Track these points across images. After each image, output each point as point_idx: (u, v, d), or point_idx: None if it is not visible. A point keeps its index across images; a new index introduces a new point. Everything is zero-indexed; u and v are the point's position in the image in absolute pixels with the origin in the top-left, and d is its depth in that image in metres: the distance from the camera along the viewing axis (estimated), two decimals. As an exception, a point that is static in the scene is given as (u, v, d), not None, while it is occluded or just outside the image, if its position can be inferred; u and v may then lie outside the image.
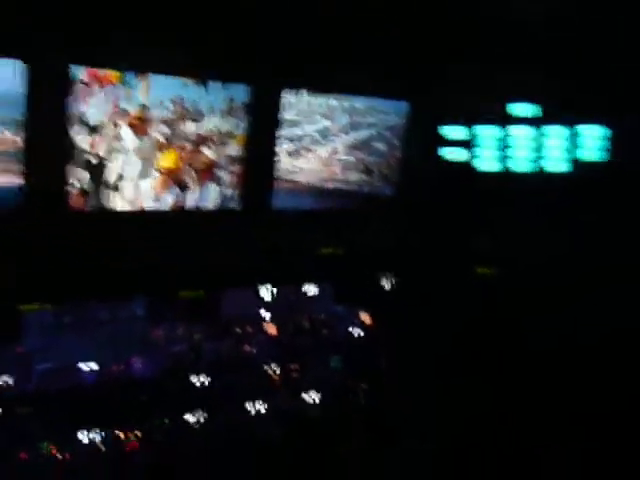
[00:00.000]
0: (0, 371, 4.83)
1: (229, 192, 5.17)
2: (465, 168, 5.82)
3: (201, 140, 4.94)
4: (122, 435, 4.97)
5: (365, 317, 6.19)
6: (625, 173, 5.07)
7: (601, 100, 5.32)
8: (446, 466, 4.52)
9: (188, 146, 4.89)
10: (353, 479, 4.31)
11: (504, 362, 5.10)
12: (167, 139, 4.80)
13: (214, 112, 4.90)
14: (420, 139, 5.80)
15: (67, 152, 4.43)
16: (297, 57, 4.94)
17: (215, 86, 4.83)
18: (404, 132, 5.74)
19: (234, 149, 5.07)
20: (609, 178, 5.13)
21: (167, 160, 4.87)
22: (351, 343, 6.11)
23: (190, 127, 4.85)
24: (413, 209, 5.96)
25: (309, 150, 5.46)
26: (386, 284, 6.15)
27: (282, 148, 5.31)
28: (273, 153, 5.27)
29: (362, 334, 6.14)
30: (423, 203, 5.93)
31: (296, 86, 5.11)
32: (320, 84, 5.21)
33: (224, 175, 5.12)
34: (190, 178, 5.00)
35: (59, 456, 4.75)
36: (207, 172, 5.06)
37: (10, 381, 4.82)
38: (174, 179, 4.94)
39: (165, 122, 4.74)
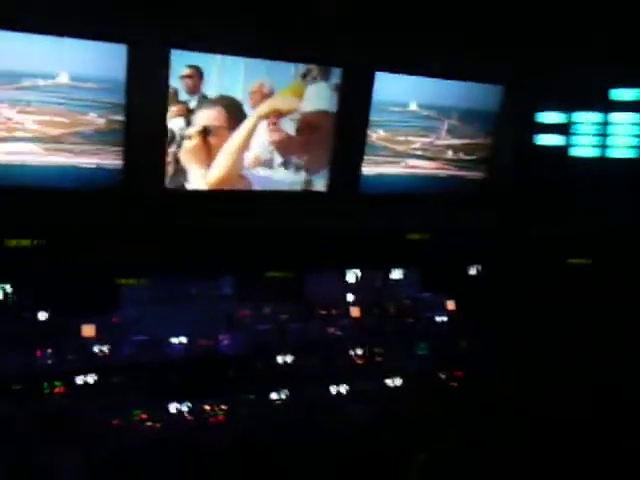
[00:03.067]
0: (98, 340, 5.10)
1: (317, 173, 5.22)
2: (560, 154, 5.64)
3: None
4: (208, 408, 5.11)
5: (451, 304, 6.10)
6: None
7: None
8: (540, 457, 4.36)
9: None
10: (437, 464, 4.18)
11: (592, 350, 4.93)
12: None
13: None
14: (514, 124, 5.65)
15: (164, 132, 4.59)
16: (388, 38, 4.89)
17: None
18: (498, 116, 5.60)
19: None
20: None
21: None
22: (437, 330, 6.05)
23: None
24: (505, 195, 5.81)
25: (398, 133, 5.42)
26: (473, 271, 6.04)
27: (373, 131, 5.29)
28: (363, 135, 5.25)
29: (448, 321, 6.07)
30: (515, 189, 5.78)
31: (388, 67, 5.07)
32: (414, 66, 5.14)
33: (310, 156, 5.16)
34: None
35: (149, 424, 4.94)
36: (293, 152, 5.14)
37: (107, 350, 5.08)
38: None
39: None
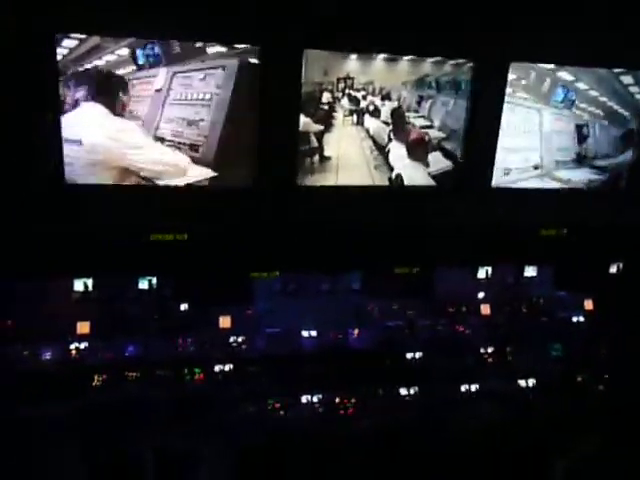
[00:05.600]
0: (234, 331, 5.34)
1: (449, 169, 5.11)
2: None
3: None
4: (338, 400, 5.21)
5: (589, 304, 5.81)
6: None
7: None
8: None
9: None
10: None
11: None
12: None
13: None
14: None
15: (295, 130, 4.65)
16: (521, 27, 4.69)
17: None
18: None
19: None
20: None
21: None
22: (573, 331, 5.79)
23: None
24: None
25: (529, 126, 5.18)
26: (614, 269, 5.70)
27: (506, 125, 5.10)
28: (495, 130, 5.09)
29: (585, 322, 5.79)
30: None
31: (523, 59, 4.88)
32: (551, 56, 4.91)
33: (443, 152, 4.93)
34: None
35: (282, 413, 5.11)
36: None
37: (242, 341, 5.31)
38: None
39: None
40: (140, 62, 4.01)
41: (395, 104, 4.58)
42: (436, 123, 4.72)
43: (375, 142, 4.66)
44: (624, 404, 4.79)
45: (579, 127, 4.97)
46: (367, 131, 4.63)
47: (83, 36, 3.88)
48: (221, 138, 4.35)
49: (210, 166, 4.41)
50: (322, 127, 4.54)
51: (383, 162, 4.72)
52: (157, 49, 4.02)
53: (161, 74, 4.08)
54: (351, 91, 4.55)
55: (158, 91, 4.14)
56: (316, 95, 4.46)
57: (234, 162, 4.43)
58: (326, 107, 4.52)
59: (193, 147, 4.32)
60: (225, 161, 4.41)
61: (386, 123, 4.64)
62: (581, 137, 4.99)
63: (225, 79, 4.25)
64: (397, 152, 4.67)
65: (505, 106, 4.83)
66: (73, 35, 3.87)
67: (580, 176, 5.15)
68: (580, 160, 5.07)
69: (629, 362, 5.48)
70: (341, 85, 4.53)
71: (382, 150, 4.69)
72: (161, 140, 4.23)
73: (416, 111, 4.64)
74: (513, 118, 4.88)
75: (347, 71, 4.50)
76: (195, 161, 4.37)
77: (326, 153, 4.60)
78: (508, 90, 4.78)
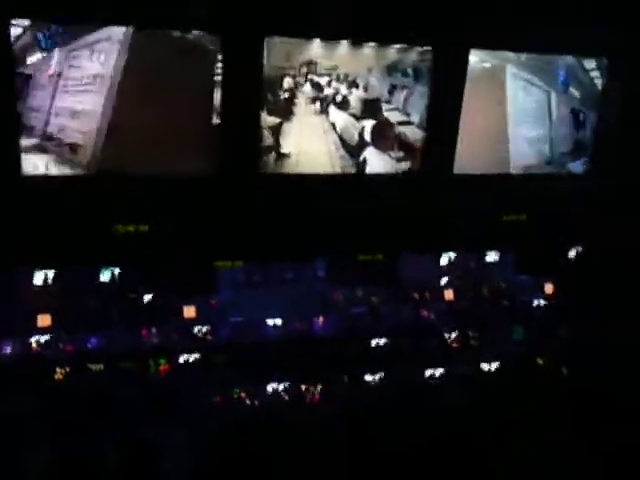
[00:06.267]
0: (199, 321, 5.31)
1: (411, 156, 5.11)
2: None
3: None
4: (304, 388, 5.23)
5: (550, 288, 5.92)
6: None
7: None
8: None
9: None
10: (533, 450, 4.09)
11: None
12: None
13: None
14: (619, 101, 5.33)
15: (257, 118, 4.59)
16: (485, 12, 4.72)
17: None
18: (602, 94, 5.29)
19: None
20: None
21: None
22: (534, 314, 5.89)
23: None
24: (606, 176, 5.53)
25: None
26: (573, 253, 5.81)
27: (464, 111, 5.11)
28: (457, 117, 5.12)
29: (546, 305, 5.90)
30: (617, 171, 5.48)
31: (485, 45, 4.90)
32: (513, 41, 4.93)
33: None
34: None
35: (248, 402, 5.12)
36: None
37: (207, 330, 5.29)
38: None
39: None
40: (43, 46, 3.42)
41: (366, 94, 4.21)
42: (415, 119, 4.39)
43: (343, 141, 4.33)
44: (585, 386, 4.90)
45: (574, 113, 4.80)
46: (333, 125, 4.30)
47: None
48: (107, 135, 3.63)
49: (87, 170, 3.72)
50: (279, 120, 4.20)
51: (355, 167, 4.43)
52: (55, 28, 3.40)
53: (57, 55, 3.43)
54: (314, 76, 4.25)
55: (51, 77, 3.50)
56: (276, 81, 4.13)
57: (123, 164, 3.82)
58: (286, 95, 4.17)
59: (72, 148, 3.66)
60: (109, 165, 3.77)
61: (355, 116, 4.35)
62: (578, 124, 4.82)
63: (110, 54, 3.54)
64: (379, 165, 4.35)
65: (517, 88, 4.64)
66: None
67: (578, 167, 5.00)
68: (579, 150, 4.92)
69: (589, 345, 5.61)
70: (303, 70, 4.23)
71: (353, 154, 4.38)
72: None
73: (388, 102, 4.32)
74: (525, 103, 4.65)
75: (310, 55, 4.19)
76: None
77: (284, 150, 4.27)
78: (517, 72, 4.58)
